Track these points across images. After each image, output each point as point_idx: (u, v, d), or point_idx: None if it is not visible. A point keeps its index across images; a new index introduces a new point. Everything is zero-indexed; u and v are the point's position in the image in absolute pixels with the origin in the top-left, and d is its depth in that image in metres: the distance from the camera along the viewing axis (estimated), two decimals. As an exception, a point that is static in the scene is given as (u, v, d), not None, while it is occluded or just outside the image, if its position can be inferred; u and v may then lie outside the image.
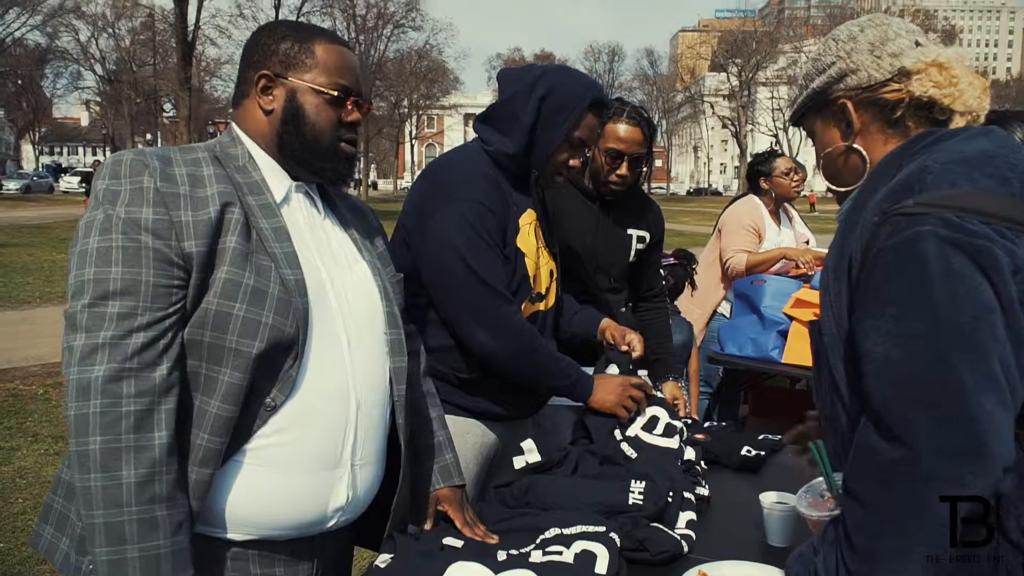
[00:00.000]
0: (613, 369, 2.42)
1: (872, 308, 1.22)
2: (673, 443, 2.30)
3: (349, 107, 1.65)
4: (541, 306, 2.36)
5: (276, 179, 1.62)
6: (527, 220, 2.28)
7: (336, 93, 1.61)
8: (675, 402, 2.90)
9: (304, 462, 1.54)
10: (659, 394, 2.54)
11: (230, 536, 1.52)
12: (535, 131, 2.22)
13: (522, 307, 2.27)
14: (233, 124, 1.67)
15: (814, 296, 3.84)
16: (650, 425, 2.34)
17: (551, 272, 2.41)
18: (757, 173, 4.80)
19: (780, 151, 5.08)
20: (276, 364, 1.50)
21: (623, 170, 2.79)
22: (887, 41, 1.46)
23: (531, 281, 2.27)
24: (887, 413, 1.16)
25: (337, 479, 1.59)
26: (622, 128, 2.78)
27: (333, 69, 1.62)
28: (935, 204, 1.20)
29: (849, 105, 1.48)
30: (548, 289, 2.39)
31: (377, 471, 1.70)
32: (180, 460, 1.42)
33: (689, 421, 2.82)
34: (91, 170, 47.42)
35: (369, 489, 1.68)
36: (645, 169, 2.91)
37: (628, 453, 2.24)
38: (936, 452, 1.11)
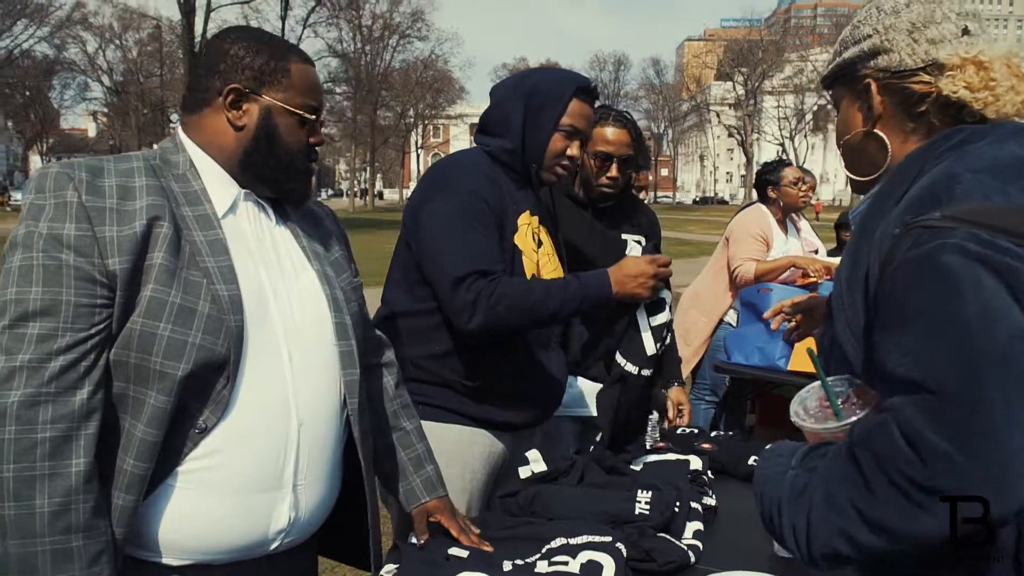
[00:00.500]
0: (635, 250, 2.38)
1: (893, 325, 1.12)
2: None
3: (316, 129, 1.63)
4: None
5: (221, 188, 1.56)
6: (525, 221, 2.28)
7: (309, 115, 1.59)
8: (680, 407, 2.88)
9: (238, 484, 1.48)
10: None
11: (165, 561, 1.48)
12: (526, 128, 2.25)
13: None
14: (178, 130, 1.60)
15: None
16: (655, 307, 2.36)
17: None
18: (765, 182, 4.79)
19: (788, 160, 5.06)
20: (207, 385, 1.44)
21: (613, 172, 2.81)
22: (930, 24, 1.31)
23: None
24: (910, 432, 1.04)
25: (278, 500, 1.53)
26: (609, 131, 2.81)
27: (305, 89, 1.59)
28: (964, 219, 1.08)
29: (873, 87, 1.35)
30: None
31: (327, 489, 1.65)
32: (103, 486, 1.39)
33: (696, 431, 2.81)
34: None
35: (317, 508, 1.62)
36: (636, 174, 2.90)
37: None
38: (950, 474, 1.01)
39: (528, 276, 2.24)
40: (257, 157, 1.56)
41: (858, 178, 1.43)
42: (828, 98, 1.61)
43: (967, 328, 1.03)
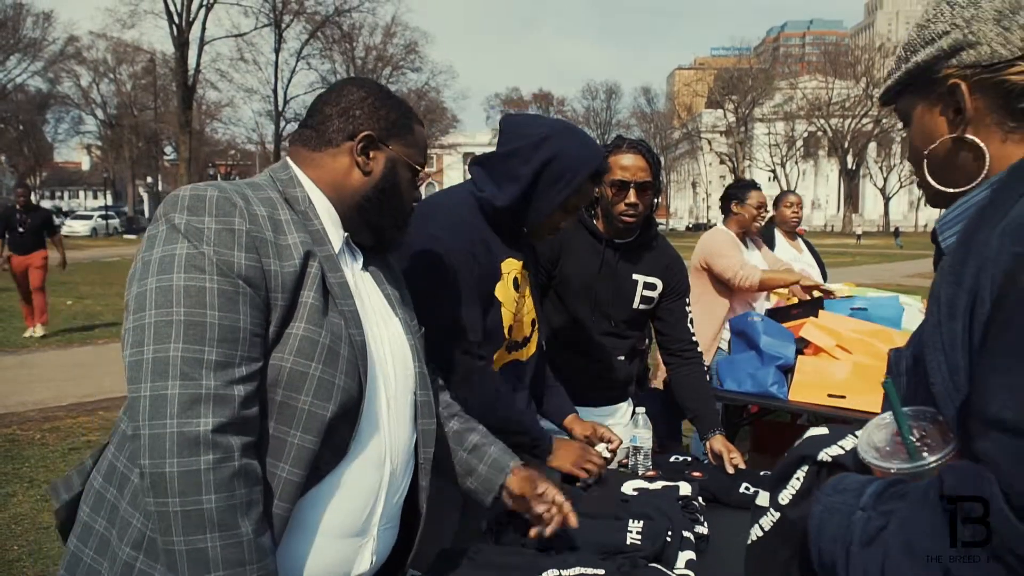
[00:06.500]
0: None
1: (1007, 361, 0.94)
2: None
3: (419, 187, 1.71)
4: (521, 355, 2.34)
5: (333, 229, 1.55)
6: (507, 269, 2.24)
7: (421, 172, 1.66)
8: (731, 455, 2.71)
9: (336, 528, 1.48)
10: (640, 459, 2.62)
11: None
12: (530, 192, 2.16)
13: (495, 356, 2.23)
14: (290, 161, 1.59)
15: (829, 321, 3.85)
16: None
17: (533, 321, 2.38)
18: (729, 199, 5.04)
19: (755, 184, 5.23)
20: (337, 429, 1.43)
21: (632, 198, 2.76)
22: (1020, 9, 1.15)
23: (506, 331, 2.23)
24: (1016, 496, 0.87)
25: (364, 545, 1.54)
26: (625, 158, 2.77)
27: (422, 149, 1.68)
28: None
29: (962, 87, 1.18)
30: (528, 338, 2.36)
31: (395, 531, 1.66)
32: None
33: (688, 459, 2.79)
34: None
35: (387, 549, 1.63)
36: (657, 200, 2.85)
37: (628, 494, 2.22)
38: None
39: (505, 326, 2.22)
40: (375, 204, 1.60)
41: (948, 190, 1.24)
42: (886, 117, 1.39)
43: None
